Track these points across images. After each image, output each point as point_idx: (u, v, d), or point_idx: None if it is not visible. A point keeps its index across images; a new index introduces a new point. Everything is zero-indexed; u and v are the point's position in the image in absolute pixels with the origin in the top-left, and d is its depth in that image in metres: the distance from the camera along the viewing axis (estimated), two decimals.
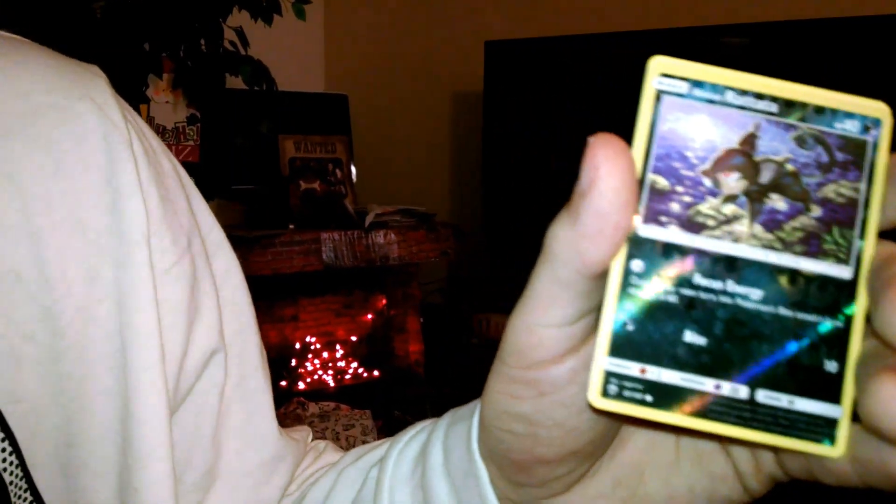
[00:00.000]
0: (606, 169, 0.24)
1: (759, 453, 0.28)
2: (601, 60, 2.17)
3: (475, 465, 0.32)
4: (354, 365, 2.41)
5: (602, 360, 0.25)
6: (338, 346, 2.41)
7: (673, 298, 0.25)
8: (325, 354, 2.38)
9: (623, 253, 0.25)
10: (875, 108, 0.25)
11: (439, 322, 2.50)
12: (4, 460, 0.39)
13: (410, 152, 2.78)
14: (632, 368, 0.25)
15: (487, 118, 2.35)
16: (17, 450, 0.39)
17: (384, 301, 2.48)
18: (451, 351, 2.43)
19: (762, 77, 0.25)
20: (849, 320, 0.24)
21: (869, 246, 0.25)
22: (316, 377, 2.34)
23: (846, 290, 0.25)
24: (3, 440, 0.38)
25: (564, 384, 0.27)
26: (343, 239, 2.12)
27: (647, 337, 0.25)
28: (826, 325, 0.24)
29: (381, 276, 2.42)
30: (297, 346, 2.34)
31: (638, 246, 0.25)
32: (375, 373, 2.42)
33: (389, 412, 2.18)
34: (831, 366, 0.24)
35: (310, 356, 2.35)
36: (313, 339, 2.37)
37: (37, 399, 0.39)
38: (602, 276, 0.25)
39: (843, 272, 0.25)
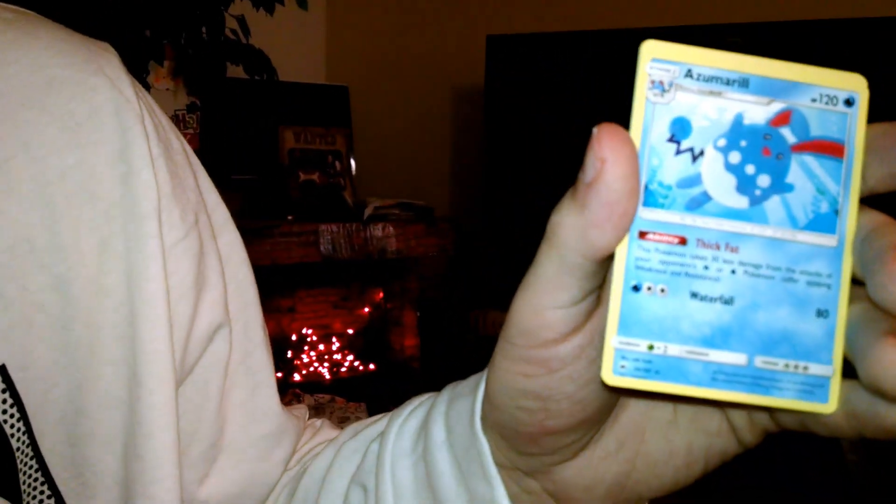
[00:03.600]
0: (613, 159, 0.25)
1: (754, 411, 0.30)
2: (603, 56, 2.16)
3: (478, 441, 0.34)
4: (350, 358, 2.41)
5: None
6: (334, 339, 2.41)
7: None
8: (322, 347, 2.38)
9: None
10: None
11: (436, 317, 2.50)
12: (13, 426, 0.39)
13: (410, 145, 2.78)
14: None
15: (488, 113, 2.35)
16: (24, 417, 0.39)
17: (381, 294, 2.47)
18: (447, 346, 2.42)
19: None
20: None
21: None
22: (312, 369, 2.34)
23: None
24: (11, 406, 0.38)
25: (572, 360, 0.28)
26: (341, 231, 2.11)
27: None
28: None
29: (378, 269, 2.42)
30: (294, 337, 2.34)
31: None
32: (371, 366, 2.42)
33: (384, 406, 2.17)
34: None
35: (306, 348, 2.35)
36: (310, 331, 2.37)
37: (46, 367, 0.40)
38: (607, 260, 0.26)
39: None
